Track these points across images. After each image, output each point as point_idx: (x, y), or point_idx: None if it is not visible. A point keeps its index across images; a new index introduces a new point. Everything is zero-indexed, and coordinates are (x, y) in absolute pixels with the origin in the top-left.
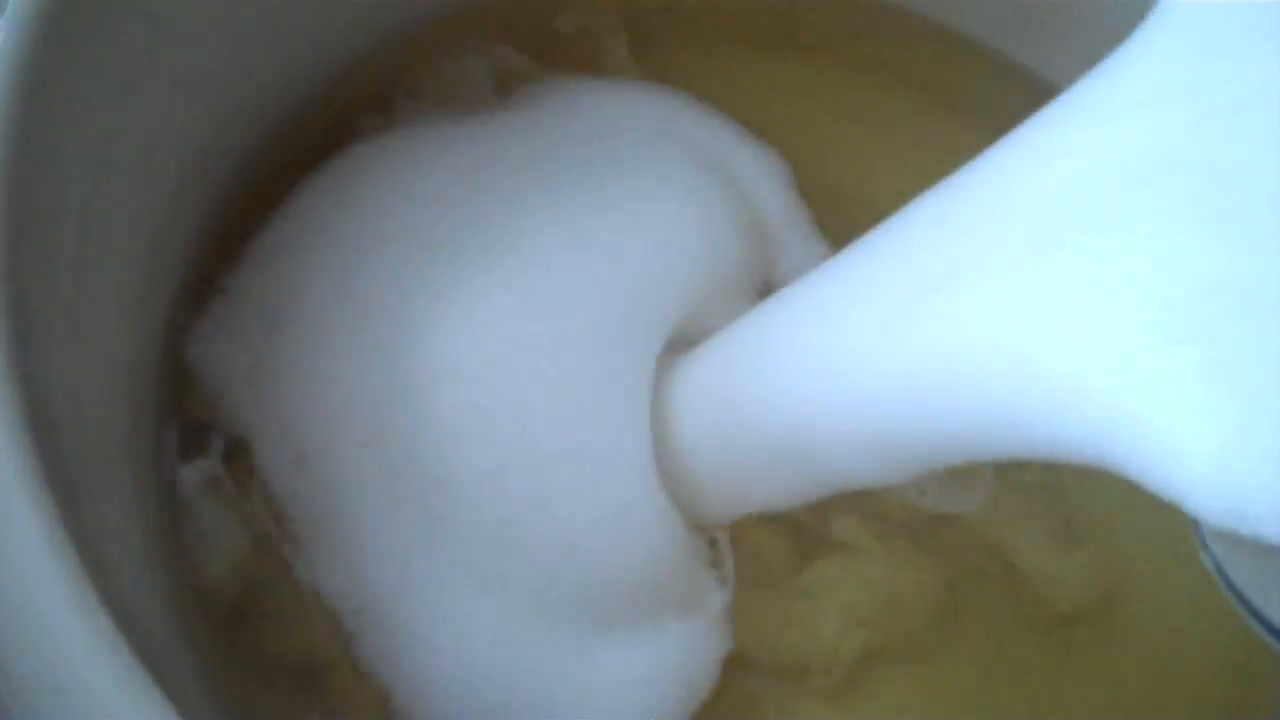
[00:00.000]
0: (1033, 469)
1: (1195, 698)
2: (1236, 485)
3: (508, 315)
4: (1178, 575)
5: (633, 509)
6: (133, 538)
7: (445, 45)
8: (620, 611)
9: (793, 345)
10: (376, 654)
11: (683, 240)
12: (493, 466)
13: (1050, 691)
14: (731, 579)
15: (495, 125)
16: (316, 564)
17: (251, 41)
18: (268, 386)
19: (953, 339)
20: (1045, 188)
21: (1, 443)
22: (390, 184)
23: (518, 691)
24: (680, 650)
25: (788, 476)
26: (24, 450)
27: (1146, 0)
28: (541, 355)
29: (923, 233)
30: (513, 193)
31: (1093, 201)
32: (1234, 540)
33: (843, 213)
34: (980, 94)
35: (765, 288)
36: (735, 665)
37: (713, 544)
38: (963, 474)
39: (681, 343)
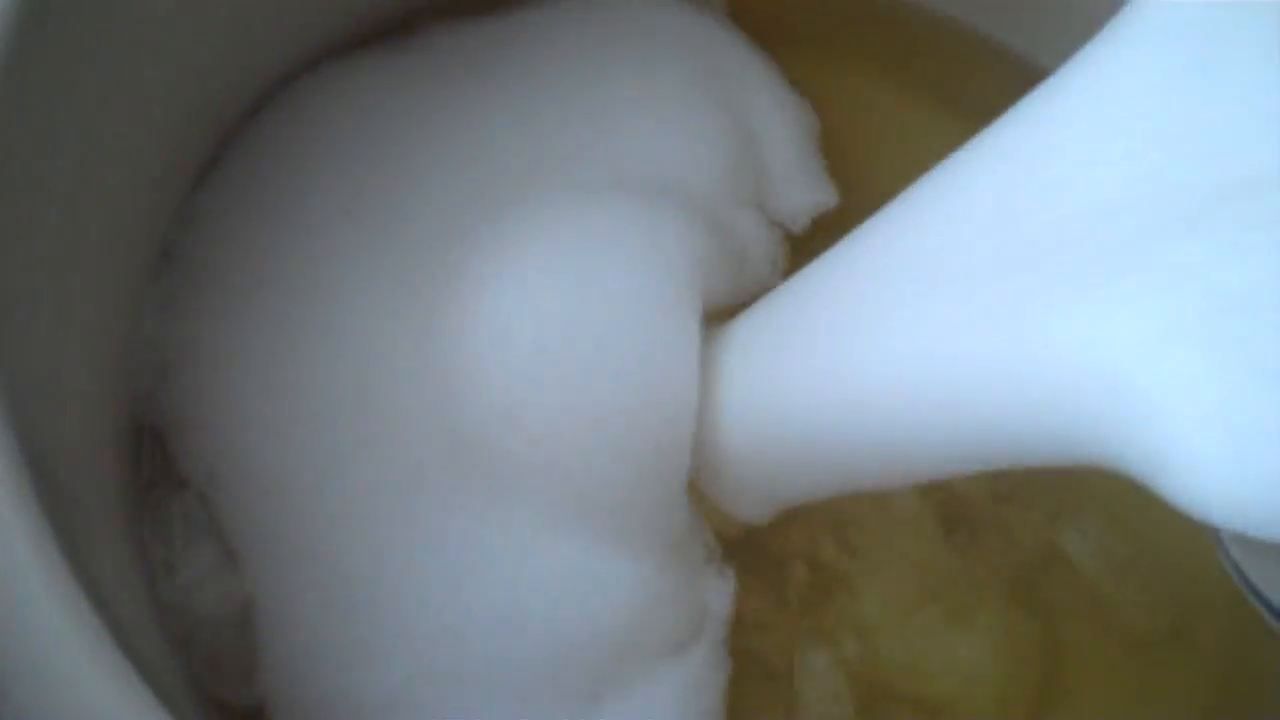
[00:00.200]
0: None
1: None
2: (1249, 491)
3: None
4: None
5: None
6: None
7: None
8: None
9: (851, 321)
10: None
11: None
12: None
13: None
14: (731, 577)
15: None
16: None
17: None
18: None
19: (955, 338)
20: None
21: None
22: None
23: None
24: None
25: (833, 459)
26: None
27: None
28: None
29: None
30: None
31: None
32: (1251, 542)
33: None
34: (976, 85)
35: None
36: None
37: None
38: None
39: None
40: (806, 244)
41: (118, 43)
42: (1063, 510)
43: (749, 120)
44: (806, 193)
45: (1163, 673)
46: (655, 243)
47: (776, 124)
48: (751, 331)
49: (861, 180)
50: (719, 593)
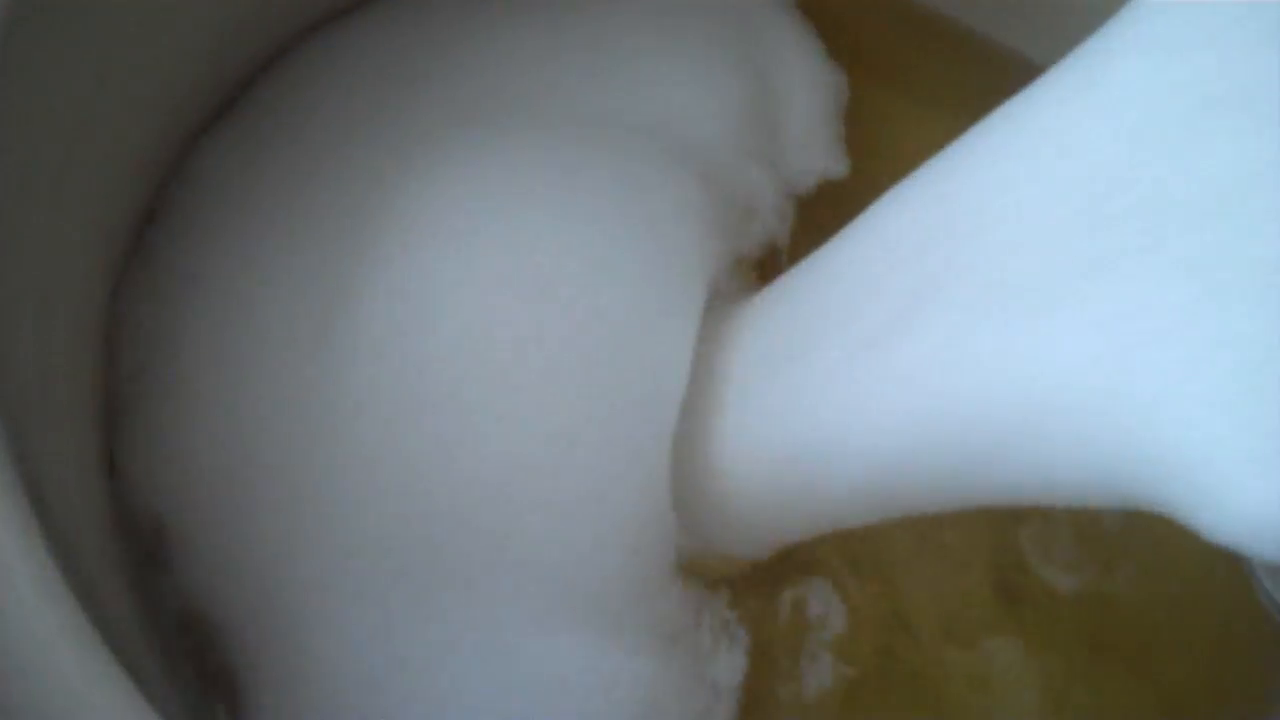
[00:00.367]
0: None
1: None
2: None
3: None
4: None
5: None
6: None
7: None
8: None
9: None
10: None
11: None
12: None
13: None
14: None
15: None
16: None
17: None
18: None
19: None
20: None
21: None
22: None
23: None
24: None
25: (845, 484)
26: None
27: None
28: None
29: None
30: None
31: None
32: None
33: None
34: (970, 82)
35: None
36: None
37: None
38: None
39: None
40: (811, 213)
41: (104, 25)
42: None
43: (773, 80)
44: (817, 158)
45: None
46: (639, 189)
47: (801, 88)
48: (760, 339)
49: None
50: (729, 668)
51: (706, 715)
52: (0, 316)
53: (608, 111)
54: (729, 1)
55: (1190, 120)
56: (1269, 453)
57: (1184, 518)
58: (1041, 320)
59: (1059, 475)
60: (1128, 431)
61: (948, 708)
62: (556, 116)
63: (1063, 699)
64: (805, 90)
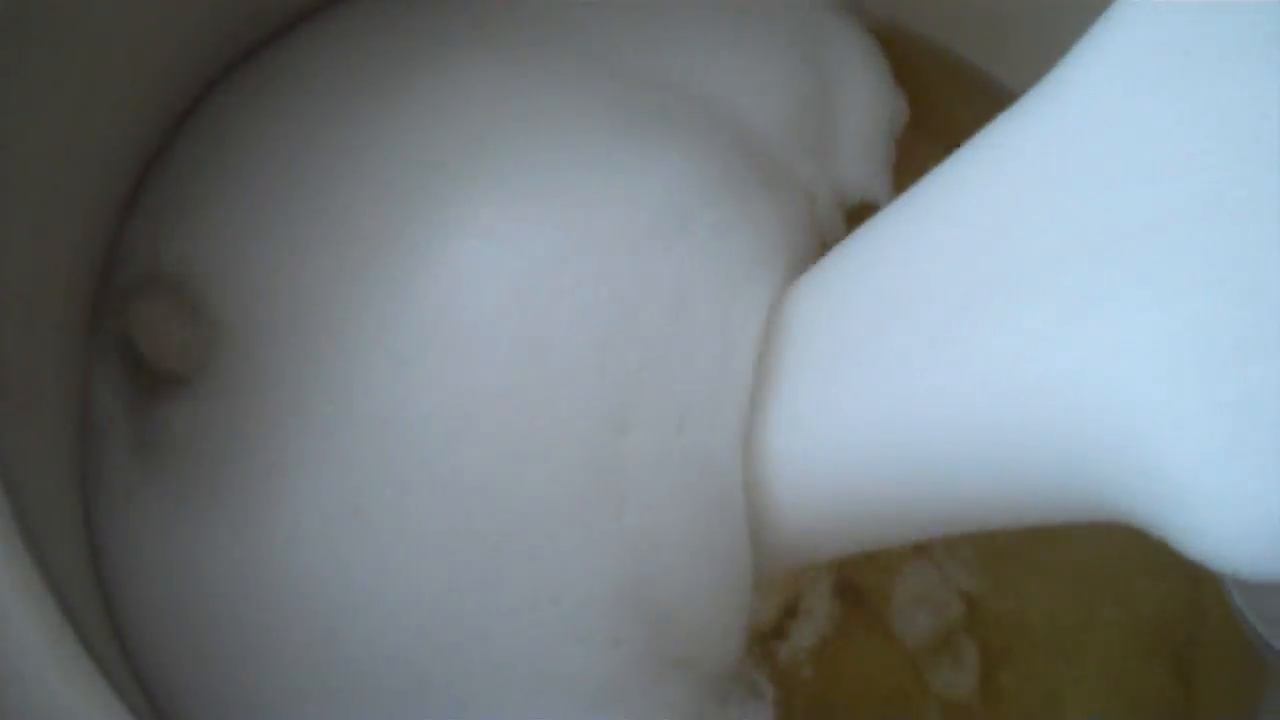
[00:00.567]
0: None
1: None
2: (1261, 535)
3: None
4: None
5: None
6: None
7: None
8: None
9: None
10: None
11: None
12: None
13: None
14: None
15: None
16: None
17: None
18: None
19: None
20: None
21: None
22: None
23: None
24: None
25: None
26: None
27: None
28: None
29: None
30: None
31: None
32: (1259, 588)
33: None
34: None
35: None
36: None
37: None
38: None
39: None
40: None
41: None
42: None
43: (834, 87)
44: (865, 175)
45: None
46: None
47: (861, 102)
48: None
49: None
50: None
51: None
52: None
53: (671, 83)
54: (802, 5)
55: (1167, 144)
56: (1244, 463)
57: (1169, 536)
58: (1042, 331)
59: (1050, 490)
60: (1115, 446)
61: None
62: (609, 72)
63: None
64: (865, 105)
